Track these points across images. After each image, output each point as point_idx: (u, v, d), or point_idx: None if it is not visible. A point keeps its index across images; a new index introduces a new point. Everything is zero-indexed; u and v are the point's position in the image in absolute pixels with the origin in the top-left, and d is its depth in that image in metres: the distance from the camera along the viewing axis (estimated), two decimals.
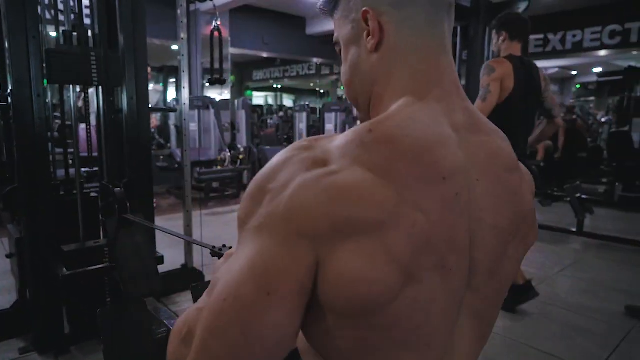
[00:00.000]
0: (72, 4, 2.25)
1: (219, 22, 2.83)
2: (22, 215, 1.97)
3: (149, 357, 0.97)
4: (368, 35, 0.55)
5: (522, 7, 4.10)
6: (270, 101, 20.15)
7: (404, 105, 0.52)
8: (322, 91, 19.37)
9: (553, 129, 2.68)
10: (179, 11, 2.64)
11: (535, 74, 2.42)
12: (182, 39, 2.65)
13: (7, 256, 2.21)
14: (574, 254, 3.60)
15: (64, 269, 1.93)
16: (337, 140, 0.48)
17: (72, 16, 2.28)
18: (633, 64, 9.23)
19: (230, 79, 14.62)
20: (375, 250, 0.44)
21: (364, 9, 0.54)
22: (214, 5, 2.94)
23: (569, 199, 3.98)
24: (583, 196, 4.02)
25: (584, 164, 6.74)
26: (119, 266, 1.74)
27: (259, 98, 19.75)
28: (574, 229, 3.94)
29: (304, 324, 0.48)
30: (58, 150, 2.61)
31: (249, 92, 17.27)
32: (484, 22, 4.09)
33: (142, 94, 2.14)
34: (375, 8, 0.53)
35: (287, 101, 20.07)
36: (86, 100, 2.13)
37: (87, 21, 2.31)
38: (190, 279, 2.74)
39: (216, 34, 3.02)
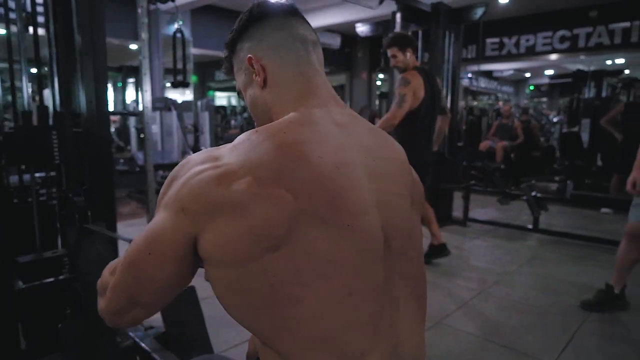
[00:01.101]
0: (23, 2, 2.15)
1: (181, 23, 2.73)
2: None
3: None
4: (256, 75, 0.73)
5: (479, 13, 4.26)
6: (234, 102, 19.89)
7: (291, 115, 0.68)
8: None
9: (446, 123, 3.39)
10: (139, 10, 2.56)
11: (435, 81, 2.98)
12: (143, 40, 2.57)
13: None
14: (530, 250, 3.77)
15: (20, 282, 1.84)
16: (234, 142, 0.64)
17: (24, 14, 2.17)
18: (581, 67, 9.78)
19: (193, 79, 14.37)
20: (241, 222, 0.58)
21: (247, 56, 0.73)
22: (175, 6, 2.86)
23: (525, 197, 4.16)
24: (538, 194, 4.22)
25: (538, 163, 7.07)
26: (80, 277, 1.67)
27: (221, 99, 19.45)
28: (530, 226, 4.12)
29: (222, 297, 0.62)
30: None
31: (211, 92, 16.98)
32: (443, 26, 4.22)
33: (101, 97, 2.07)
34: (256, 54, 0.73)
35: None
36: (42, 102, 2.04)
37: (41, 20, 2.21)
38: None
39: (179, 35, 2.94)
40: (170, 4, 6.20)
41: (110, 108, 6.94)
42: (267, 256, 0.58)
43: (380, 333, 0.64)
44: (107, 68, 2.10)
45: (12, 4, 2.18)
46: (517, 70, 14.26)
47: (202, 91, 15.25)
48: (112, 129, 6.77)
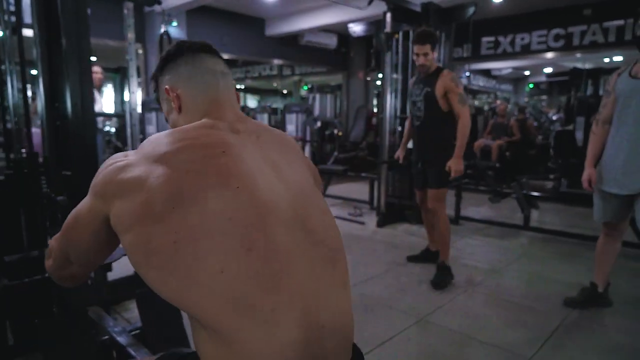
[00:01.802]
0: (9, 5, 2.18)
1: (175, 25, 2.76)
2: None
3: None
4: (173, 102, 0.91)
5: (469, 12, 4.28)
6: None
7: (190, 125, 0.84)
8: (285, 91, 19.34)
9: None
10: (125, 12, 2.59)
11: None
12: (129, 41, 2.61)
13: None
14: (520, 247, 3.80)
15: (5, 280, 1.88)
16: (142, 143, 0.81)
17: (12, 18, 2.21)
18: (578, 65, 9.77)
19: None
20: (135, 195, 0.72)
21: (165, 87, 0.91)
22: (162, 10, 2.89)
23: (515, 195, 4.18)
24: (531, 193, 4.23)
25: (533, 161, 7.08)
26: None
27: None
28: (522, 224, 4.14)
29: (136, 265, 0.73)
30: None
31: None
32: (434, 26, 4.23)
33: (86, 99, 2.10)
34: (172, 85, 0.91)
35: (252, 101, 19.91)
36: (26, 106, 2.08)
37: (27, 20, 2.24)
38: (141, 285, 2.72)
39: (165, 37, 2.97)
40: (164, 5, 6.25)
41: (111, 109, 6.98)
42: (159, 223, 0.69)
43: (288, 290, 0.69)
44: (90, 70, 2.13)
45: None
46: (515, 68, 14.25)
47: None
48: (113, 130, 6.81)
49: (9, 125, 2.58)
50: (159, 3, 2.67)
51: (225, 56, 9.13)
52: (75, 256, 0.87)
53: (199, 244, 0.67)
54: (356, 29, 5.34)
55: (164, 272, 0.68)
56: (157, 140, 0.79)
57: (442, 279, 2.87)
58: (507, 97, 16.93)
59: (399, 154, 3.36)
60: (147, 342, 1.42)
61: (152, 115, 6.30)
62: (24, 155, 2.19)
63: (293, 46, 9.07)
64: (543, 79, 16.31)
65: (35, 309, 1.95)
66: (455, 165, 2.77)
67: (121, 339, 1.39)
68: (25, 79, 2.18)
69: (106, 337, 1.42)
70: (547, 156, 7.27)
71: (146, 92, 6.97)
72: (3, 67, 2.12)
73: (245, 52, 8.76)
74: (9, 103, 2.42)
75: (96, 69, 4.66)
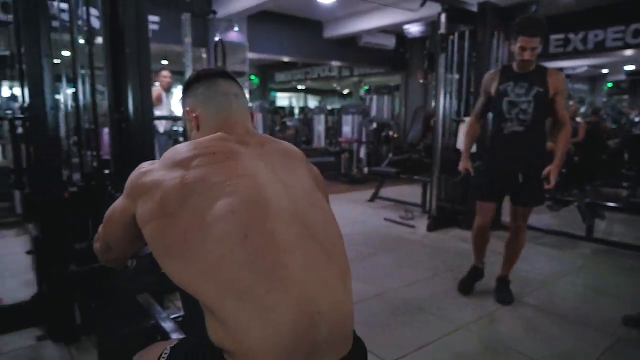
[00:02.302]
0: (82, 17, 2.42)
1: (220, 36, 2.91)
2: (38, 216, 2.16)
3: (134, 348, 1.10)
4: (192, 122, 1.05)
5: (531, 10, 4.09)
6: (297, 102, 20.33)
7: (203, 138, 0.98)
8: (346, 92, 19.41)
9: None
10: (182, 18, 2.76)
11: None
12: (186, 50, 2.79)
13: (27, 252, 2.41)
14: (579, 259, 3.57)
15: (74, 266, 2.11)
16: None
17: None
18: None
19: (254, 81, 14.89)
20: (154, 195, 0.86)
21: (186, 109, 1.07)
22: (214, 17, 3.06)
23: (577, 204, 3.94)
24: (599, 201, 3.95)
25: (604, 166, 6.57)
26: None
27: (283, 99, 19.97)
28: (584, 235, 3.89)
29: (157, 256, 0.84)
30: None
31: (273, 93, 17.50)
32: (490, 26, 4.10)
33: (146, 103, 2.30)
34: (192, 107, 1.06)
35: (313, 102, 20.19)
36: (95, 108, 2.31)
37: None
38: None
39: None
40: (227, 11, 6.56)
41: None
42: (172, 217, 0.81)
43: (282, 276, 0.75)
44: (149, 75, 2.32)
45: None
46: (591, 66, 13.25)
47: (263, 92, 15.76)
48: (181, 129, 7.25)
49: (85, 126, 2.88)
50: (214, 13, 2.83)
51: (285, 58, 9.41)
52: (112, 244, 1.04)
53: (204, 233, 0.78)
54: (412, 30, 5.29)
55: (177, 261, 0.79)
56: (176, 149, 0.93)
57: (510, 294, 2.70)
58: (583, 97, 15.79)
59: (466, 165, 2.75)
60: (186, 329, 1.54)
61: None
62: (94, 154, 2.41)
63: (351, 47, 9.11)
64: (623, 77, 15.02)
65: (97, 293, 2.17)
66: (555, 177, 2.44)
67: (165, 325, 1.52)
68: (94, 83, 2.40)
69: (152, 322, 1.56)
70: (621, 161, 6.72)
71: None
72: (82, 71, 2.37)
73: (304, 54, 8.94)
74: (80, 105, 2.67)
75: (165, 72, 5.00)
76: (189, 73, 2.89)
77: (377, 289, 2.88)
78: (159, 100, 5.42)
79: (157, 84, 5.64)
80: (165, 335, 1.49)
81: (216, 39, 3.01)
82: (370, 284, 2.96)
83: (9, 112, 3.70)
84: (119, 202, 0.97)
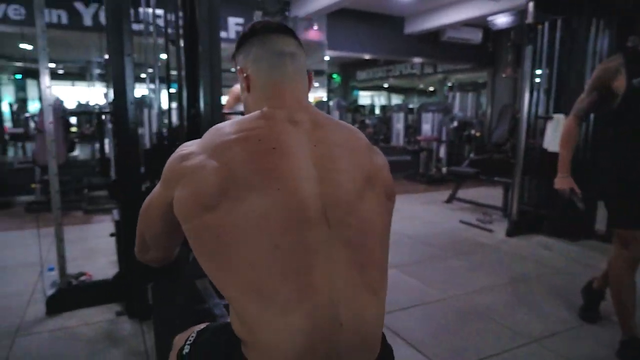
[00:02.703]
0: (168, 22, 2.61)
1: (315, 28, 2.94)
2: (120, 202, 2.38)
3: (183, 329, 1.16)
4: (243, 82, 0.94)
5: None
6: (382, 101, 20.16)
7: (253, 112, 0.87)
8: (430, 89, 18.82)
9: None
10: (254, 18, 2.84)
11: None
12: None
13: (110, 235, 2.67)
14: None
15: None
16: (206, 133, 0.86)
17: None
18: None
19: (336, 80, 15.01)
20: (191, 184, 0.77)
21: (238, 67, 0.95)
22: (287, 16, 3.11)
23: None
24: None
25: None
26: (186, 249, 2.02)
27: (366, 97, 19.88)
28: None
29: (192, 248, 0.79)
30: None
31: (355, 92, 17.51)
32: (587, 14, 3.70)
33: (215, 99, 2.42)
34: (243, 66, 0.93)
35: (396, 101, 19.86)
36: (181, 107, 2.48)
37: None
38: None
39: None
40: (306, 10, 6.67)
41: None
42: (207, 214, 0.75)
43: (307, 286, 0.72)
44: (220, 75, 2.43)
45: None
46: None
47: (344, 90, 15.83)
48: None
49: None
50: (287, 11, 2.89)
51: (366, 56, 9.35)
52: (150, 240, 0.94)
53: (236, 238, 0.73)
54: (498, 21, 4.97)
55: (209, 259, 0.76)
56: (219, 130, 0.83)
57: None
58: None
59: (570, 183, 2.11)
60: None
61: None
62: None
63: (434, 43, 8.79)
64: None
65: (165, 276, 2.33)
66: None
67: (216, 310, 1.59)
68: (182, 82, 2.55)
69: (205, 306, 1.64)
70: None
71: None
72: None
73: (384, 51, 8.81)
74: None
75: None
76: None
77: (443, 293, 2.74)
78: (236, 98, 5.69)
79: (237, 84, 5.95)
80: (214, 320, 1.55)
81: None
82: (436, 287, 2.84)
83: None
84: (155, 190, 0.88)
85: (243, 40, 0.94)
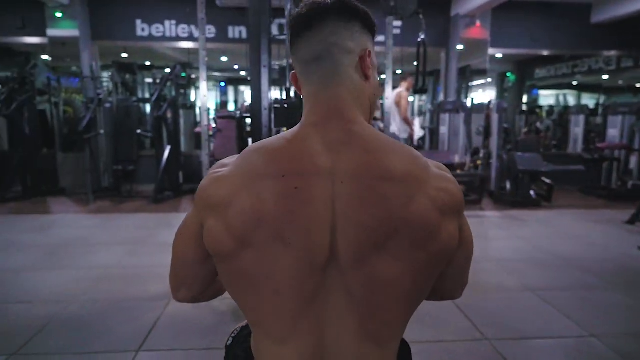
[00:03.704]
0: None
1: (423, 36, 2.87)
2: None
3: None
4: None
5: None
6: (564, 101, 17.74)
7: (287, 132, 0.78)
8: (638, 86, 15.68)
9: None
10: (387, 21, 2.86)
11: None
12: (387, 52, 2.89)
13: None
14: None
15: None
16: (243, 151, 0.77)
17: None
18: None
19: (510, 79, 13.72)
20: (221, 220, 0.71)
21: (292, 72, 0.82)
22: (418, 13, 3.02)
23: None
24: None
25: None
26: None
27: (548, 97, 17.69)
28: None
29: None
30: None
31: (533, 91, 15.75)
32: None
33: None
34: (296, 72, 0.80)
35: (588, 101, 17.19)
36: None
37: None
38: None
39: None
40: (469, 6, 6.31)
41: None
42: (233, 253, 0.72)
43: (300, 329, 0.73)
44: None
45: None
46: None
47: (520, 90, 14.39)
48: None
49: None
50: (419, 13, 2.82)
51: (543, 52, 8.34)
52: (183, 272, 0.83)
53: (246, 284, 0.73)
54: None
55: (227, 287, 0.79)
56: (252, 156, 0.74)
57: None
58: None
59: None
60: None
61: (446, 116, 6.55)
62: None
63: (631, 32, 7.34)
64: None
65: None
66: None
67: None
68: None
69: None
70: None
71: (444, 94, 7.27)
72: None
73: (563, 45, 7.71)
74: None
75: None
76: (389, 72, 2.99)
77: (585, 329, 2.34)
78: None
79: (403, 85, 6.00)
80: None
81: (420, 37, 2.93)
82: (579, 321, 2.43)
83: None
84: (188, 215, 0.80)
85: (290, 32, 0.79)
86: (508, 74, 13.10)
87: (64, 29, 6.28)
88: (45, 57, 6.42)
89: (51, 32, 6.29)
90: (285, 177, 0.69)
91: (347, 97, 0.76)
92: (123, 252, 3.59)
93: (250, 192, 0.70)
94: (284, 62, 2.77)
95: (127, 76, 7.26)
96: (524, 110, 12.64)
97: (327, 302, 0.71)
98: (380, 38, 6.80)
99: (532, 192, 5.74)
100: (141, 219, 4.82)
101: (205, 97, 2.77)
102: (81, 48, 6.33)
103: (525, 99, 14.36)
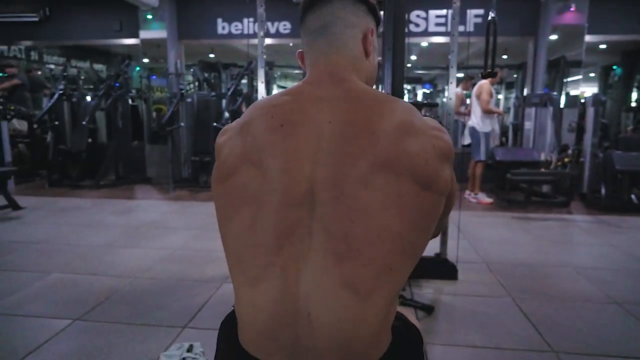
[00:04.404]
0: None
1: (493, 15, 2.60)
2: None
3: None
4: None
5: None
6: None
7: (284, 90, 0.87)
8: None
9: None
10: (454, 5, 2.65)
11: None
12: (453, 35, 2.68)
13: None
14: None
15: None
16: None
17: None
18: None
19: (617, 72, 12.24)
20: (218, 159, 0.81)
21: (299, 50, 0.92)
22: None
23: None
24: None
25: None
26: None
27: None
28: None
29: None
30: None
31: None
32: None
33: (398, 91, 2.41)
34: (303, 43, 0.90)
35: None
36: None
37: None
38: (443, 270, 2.82)
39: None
40: None
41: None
42: (219, 186, 0.80)
43: (273, 269, 0.69)
44: (403, 66, 2.41)
45: None
46: None
47: (628, 84, 12.83)
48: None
49: None
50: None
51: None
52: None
53: (231, 210, 0.77)
54: None
55: (219, 226, 0.81)
56: (252, 107, 0.84)
57: None
58: None
59: None
60: None
61: (532, 111, 6.02)
62: None
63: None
64: None
65: None
66: None
67: None
68: None
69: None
70: None
71: (531, 87, 6.68)
72: None
73: None
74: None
75: None
76: (453, 61, 2.78)
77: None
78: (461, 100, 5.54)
79: (458, 88, 5.69)
80: None
81: (490, 16, 2.62)
82: None
83: None
84: None
85: (305, 10, 0.88)
86: (614, 67, 11.74)
87: (154, 30, 6.79)
88: (145, 60, 6.98)
89: (143, 33, 6.84)
90: (273, 118, 0.77)
91: (344, 63, 0.84)
92: (190, 236, 3.78)
93: (242, 133, 0.79)
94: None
95: (211, 73, 7.67)
96: (631, 107, 11.31)
97: (303, 242, 0.70)
98: (460, 28, 6.44)
99: (633, 196, 5.04)
100: (212, 207, 5.01)
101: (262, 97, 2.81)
102: (168, 47, 6.80)
103: (635, 95, 12.76)
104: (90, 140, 6.33)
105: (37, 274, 2.82)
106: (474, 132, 5.37)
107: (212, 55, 9.11)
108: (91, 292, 2.53)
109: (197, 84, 7.29)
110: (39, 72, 7.89)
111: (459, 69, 2.67)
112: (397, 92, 2.41)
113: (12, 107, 6.04)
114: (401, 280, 0.73)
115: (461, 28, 6.59)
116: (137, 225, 4.14)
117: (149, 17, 6.70)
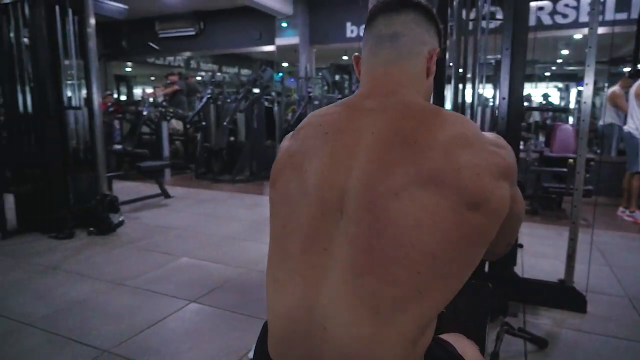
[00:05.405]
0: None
1: None
2: None
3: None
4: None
5: None
6: None
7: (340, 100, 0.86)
8: None
9: None
10: None
11: None
12: (592, 28, 2.30)
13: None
14: None
15: None
16: None
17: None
18: None
19: None
20: (278, 156, 0.83)
21: (355, 54, 0.92)
22: None
23: None
24: None
25: None
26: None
27: None
28: None
29: None
30: None
31: None
32: None
33: (515, 94, 2.16)
34: (364, 48, 0.88)
35: None
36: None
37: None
38: (566, 299, 2.44)
39: None
40: None
41: None
42: (271, 189, 0.82)
43: (293, 273, 0.70)
44: (524, 66, 2.16)
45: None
46: None
47: None
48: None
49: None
50: None
51: None
52: None
53: (272, 212, 0.80)
54: None
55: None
56: (308, 115, 0.86)
57: None
58: None
59: None
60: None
61: None
62: None
63: None
64: None
65: None
66: None
67: None
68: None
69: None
70: None
71: None
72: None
73: None
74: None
75: None
76: (591, 57, 2.38)
77: None
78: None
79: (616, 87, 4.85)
80: None
81: None
82: None
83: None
84: None
85: (368, 22, 0.88)
86: None
87: (288, 37, 7.26)
88: (285, 64, 7.55)
89: (279, 40, 7.37)
90: (321, 126, 0.78)
91: (403, 77, 0.81)
92: None
93: (293, 139, 0.82)
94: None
95: (342, 76, 7.90)
96: None
97: (325, 251, 0.68)
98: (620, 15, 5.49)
99: None
100: None
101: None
102: (300, 52, 7.20)
103: None
104: (232, 139, 7.05)
105: (172, 256, 3.26)
106: (630, 138, 4.53)
107: (345, 58, 9.37)
108: (209, 279, 2.83)
109: (326, 87, 7.57)
110: (194, 79, 9.09)
111: (619, 64, 2.29)
112: (515, 94, 2.17)
113: (172, 110, 7.05)
114: (435, 305, 0.66)
115: (621, 15, 5.65)
116: (259, 220, 4.47)
117: (284, 25, 7.19)
